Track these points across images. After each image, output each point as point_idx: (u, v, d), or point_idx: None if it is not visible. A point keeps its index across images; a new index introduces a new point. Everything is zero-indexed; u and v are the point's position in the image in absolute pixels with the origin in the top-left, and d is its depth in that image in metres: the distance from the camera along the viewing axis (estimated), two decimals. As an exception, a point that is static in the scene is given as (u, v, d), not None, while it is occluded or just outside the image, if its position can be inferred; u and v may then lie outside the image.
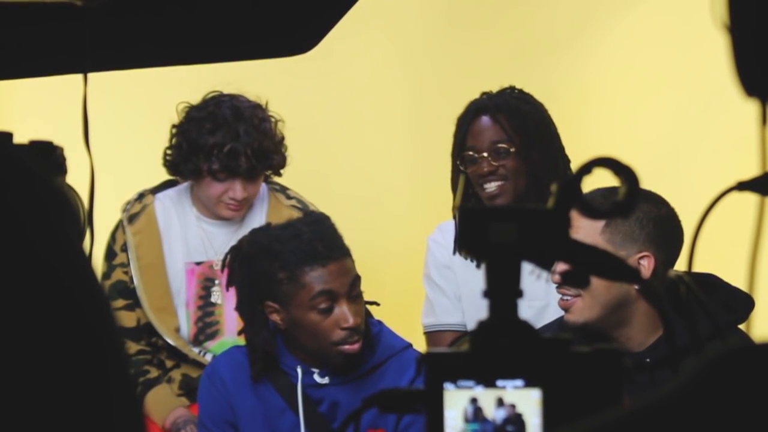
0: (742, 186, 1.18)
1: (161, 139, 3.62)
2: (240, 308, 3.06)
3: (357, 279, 2.99)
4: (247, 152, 3.49)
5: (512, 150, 3.38)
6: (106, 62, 1.55)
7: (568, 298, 2.77)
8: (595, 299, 2.74)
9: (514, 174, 3.38)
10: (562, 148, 3.45)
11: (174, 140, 3.58)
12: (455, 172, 3.47)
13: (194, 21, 1.49)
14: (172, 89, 3.88)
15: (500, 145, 3.38)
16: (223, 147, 3.48)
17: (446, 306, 3.52)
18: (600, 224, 2.74)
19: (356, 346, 2.96)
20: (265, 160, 3.55)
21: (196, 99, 3.60)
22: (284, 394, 3.04)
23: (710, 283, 2.76)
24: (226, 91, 3.60)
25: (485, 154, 3.39)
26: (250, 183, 3.55)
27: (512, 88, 3.48)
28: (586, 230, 2.68)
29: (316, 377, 3.04)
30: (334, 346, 2.96)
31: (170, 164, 3.60)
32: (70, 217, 0.87)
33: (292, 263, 2.94)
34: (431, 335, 3.56)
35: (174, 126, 3.59)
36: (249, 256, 3.01)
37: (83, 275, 0.87)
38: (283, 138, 3.63)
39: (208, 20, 1.50)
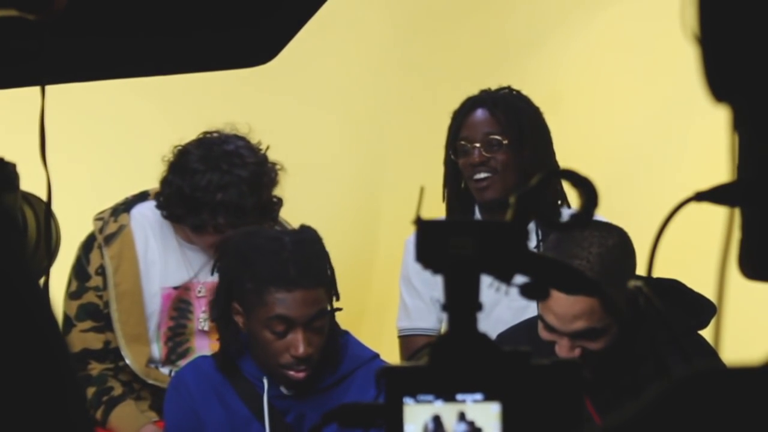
0: (700, 196, 1.18)
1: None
2: (214, 300, 3.08)
3: (323, 312, 2.94)
4: (255, 210, 3.38)
5: (505, 143, 3.41)
6: (63, 75, 1.54)
7: None
8: None
9: (504, 167, 3.41)
10: (553, 152, 3.49)
11: (172, 185, 3.41)
12: (448, 163, 3.50)
13: (152, 33, 1.49)
14: (134, 101, 3.85)
15: (493, 137, 3.41)
16: (230, 205, 3.36)
17: (422, 310, 3.51)
18: None
19: (301, 375, 2.95)
20: (269, 213, 3.45)
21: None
22: (250, 404, 3.03)
23: (673, 288, 2.77)
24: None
25: (477, 145, 3.42)
26: None
27: (509, 88, 3.52)
28: None
29: (282, 388, 3.03)
30: (280, 368, 2.95)
31: (168, 210, 3.46)
32: (12, 232, 0.86)
33: (261, 278, 2.92)
34: (405, 339, 3.56)
35: (171, 164, 3.43)
36: (231, 253, 3.00)
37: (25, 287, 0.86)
38: (278, 182, 3.50)
39: (167, 32, 1.49)
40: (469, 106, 3.46)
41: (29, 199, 1.44)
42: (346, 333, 3.11)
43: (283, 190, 3.56)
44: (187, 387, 3.07)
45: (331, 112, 4.66)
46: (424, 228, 1.17)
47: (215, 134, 3.46)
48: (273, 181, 3.46)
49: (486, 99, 3.46)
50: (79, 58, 1.57)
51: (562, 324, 2.66)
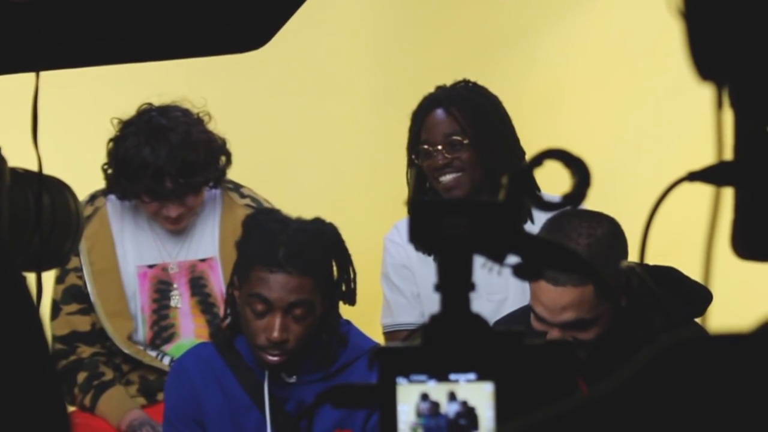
0: (692, 176, 1.18)
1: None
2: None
3: (305, 302, 2.95)
4: (172, 172, 3.40)
5: (466, 142, 3.39)
6: (56, 60, 1.54)
7: None
8: None
9: (469, 166, 3.39)
10: (516, 140, 3.46)
11: (108, 157, 3.50)
12: (411, 166, 3.48)
13: (140, 18, 1.49)
14: (125, 87, 3.84)
15: (454, 137, 3.40)
16: (147, 169, 3.39)
17: (403, 305, 3.53)
18: None
19: (276, 359, 2.97)
20: (194, 176, 3.45)
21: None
22: (251, 392, 3.04)
23: (669, 276, 2.76)
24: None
25: (440, 147, 3.40)
26: (184, 199, 3.49)
27: (466, 81, 3.49)
28: None
29: (284, 376, 3.04)
30: (257, 349, 2.97)
31: (106, 182, 3.54)
32: None
33: (250, 254, 2.96)
34: (389, 335, 3.58)
35: (109, 140, 3.50)
36: (243, 227, 3.03)
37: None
38: (221, 146, 3.53)
39: (154, 17, 1.49)
40: (426, 106, 3.44)
41: (49, 184, 1.44)
42: (347, 323, 3.12)
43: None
44: (188, 374, 3.08)
45: (315, 105, 4.65)
46: (418, 208, 1.16)
47: (151, 105, 3.50)
48: (203, 145, 3.45)
49: (442, 98, 3.42)
50: (72, 43, 1.57)
51: (552, 315, 2.67)
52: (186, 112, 3.50)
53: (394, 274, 3.54)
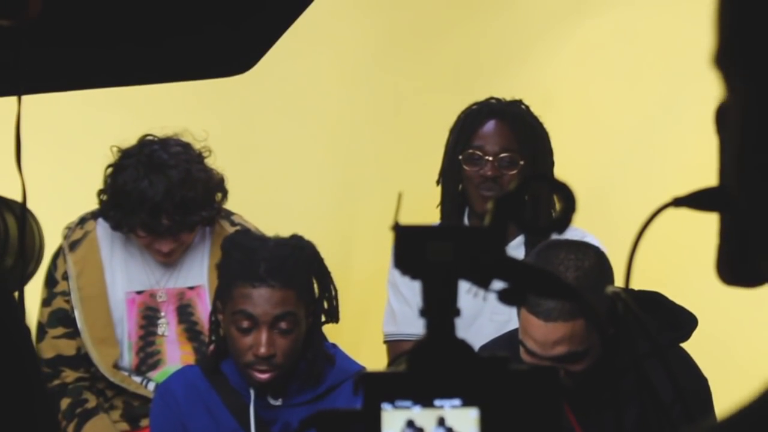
0: (678, 202, 1.18)
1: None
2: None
3: (289, 314, 2.95)
4: (169, 209, 3.37)
5: (521, 163, 3.37)
6: (39, 84, 1.53)
7: None
8: None
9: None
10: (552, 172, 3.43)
11: (105, 184, 3.47)
12: (450, 164, 3.42)
13: (126, 44, 1.48)
14: (112, 110, 3.84)
15: (510, 154, 3.37)
16: (144, 204, 3.36)
17: (409, 316, 3.50)
18: None
19: (265, 376, 2.96)
20: (190, 215, 3.42)
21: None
22: (237, 415, 3.04)
23: (654, 300, 2.76)
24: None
25: (490, 158, 3.37)
26: (178, 235, 3.46)
27: (521, 102, 3.47)
28: None
29: (269, 398, 3.03)
30: (245, 367, 2.97)
31: (102, 209, 3.50)
32: None
33: (232, 273, 2.96)
34: (392, 344, 3.54)
35: (108, 166, 3.48)
36: (222, 250, 3.03)
37: None
38: (218, 183, 3.50)
39: (144, 41, 1.49)
40: (485, 113, 3.40)
41: (11, 205, 1.44)
42: (334, 346, 3.12)
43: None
44: (174, 397, 3.07)
45: (308, 121, 4.66)
46: (402, 233, 1.17)
47: (153, 137, 3.46)
48: (201, 183, 3.43)
49: (505, 111, 3.39)
50: (56, 67, 1.57)
51: (543, 349, 2.66)
52: (187, 147, 3.46)
53: (402, 283, 3.50)
